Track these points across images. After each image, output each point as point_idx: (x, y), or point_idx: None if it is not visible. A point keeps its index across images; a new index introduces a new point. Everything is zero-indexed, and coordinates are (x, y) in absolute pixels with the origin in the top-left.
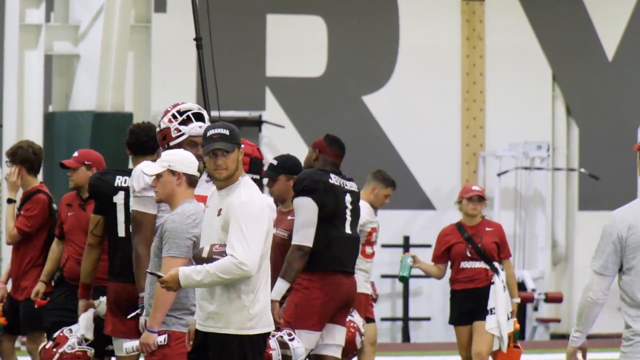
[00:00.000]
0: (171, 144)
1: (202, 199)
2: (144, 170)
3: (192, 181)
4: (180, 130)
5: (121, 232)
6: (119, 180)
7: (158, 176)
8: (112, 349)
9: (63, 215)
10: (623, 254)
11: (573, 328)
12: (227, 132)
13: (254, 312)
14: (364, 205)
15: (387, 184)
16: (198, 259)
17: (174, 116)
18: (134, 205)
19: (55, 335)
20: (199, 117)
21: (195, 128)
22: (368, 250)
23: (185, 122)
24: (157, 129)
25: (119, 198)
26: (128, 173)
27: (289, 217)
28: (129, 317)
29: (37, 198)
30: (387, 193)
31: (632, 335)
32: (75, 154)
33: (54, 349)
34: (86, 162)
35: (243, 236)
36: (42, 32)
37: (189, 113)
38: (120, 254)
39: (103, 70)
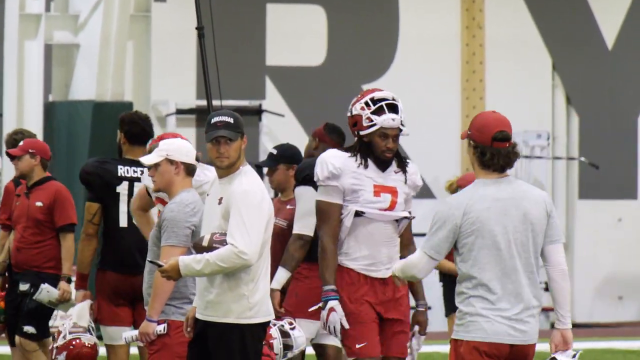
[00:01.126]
0: (361, 133)
1: (390, 189)
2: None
3: (190, 170)
4: (372, 120)
5: (123, 222)
6: (122, 170)
7: (156, 165)
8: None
9: (15, 204)
10: (457, 238)
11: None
12: (231, 120)
13: (254, 301)
14: None
15: None
16: (198, 248)
17: (367, 104)
18: (319, 195)
19: (54, 334)
20: (392, 107)
21: (388, 120)
22: None
23: (378, 112)
24: (348, 114)
25: (122, 188)
26: (128, 162)
27: (288, 207)
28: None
29: (5, 186)
30: None
31: (464, 314)
32: (21, 143)
33: (52, 346)
34: (30, 151)
35: (243, 225)
36: (42, 21)
37: (383, 103)
38: (122, 244)
39: (103, 59)
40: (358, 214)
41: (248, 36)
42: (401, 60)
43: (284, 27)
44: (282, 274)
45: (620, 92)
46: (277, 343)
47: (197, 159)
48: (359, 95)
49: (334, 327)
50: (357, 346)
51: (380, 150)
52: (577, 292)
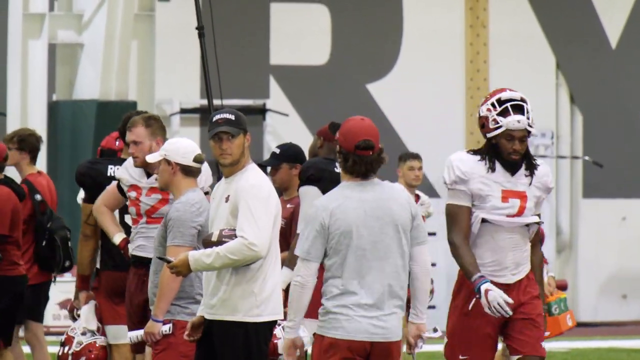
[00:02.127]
0: (488, 135)
1: (519, 194)
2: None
3: (187, 171)
4: (498, 122)
5: None
6: (112, 170)
7: (159, 164)
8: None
9: None
10: (327, 239)
11: (287, 319)
12: (232, 117)
13: (262, 299)
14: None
15: (402, 159)
16: (207, 243)
17: (494, 105)
18: (448, 199)
19: (63, 338)
20: (518, 108)
21: (513, 122)
22: None
23: (503, 114)
24: (477, 115)
25: None
26: (119, 161)
27: (289, 205)
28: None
29: None
30: (411, 166)
31: (326, 312)
32: None
33: (65, 351)
34: None
35: (252, 218)
36: (45, 21)
37: (509, 105)
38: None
39: (107, 58)
40: (485, 220)
41: (252, 35)
42: (405, 60)
43: (288, 26)
44: (287, 274)
45: (624, 91)
46: (282, 343)
47: (199, 161)
48: (488, 96)
49: (499, 304)
50: (461, 357)
51: (507, 153)
52: (581, 291)
